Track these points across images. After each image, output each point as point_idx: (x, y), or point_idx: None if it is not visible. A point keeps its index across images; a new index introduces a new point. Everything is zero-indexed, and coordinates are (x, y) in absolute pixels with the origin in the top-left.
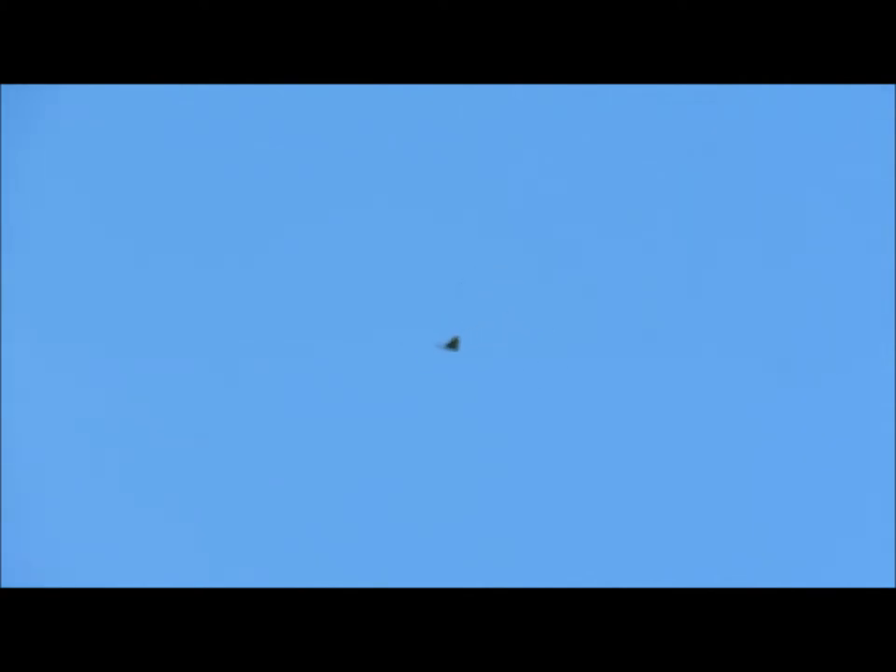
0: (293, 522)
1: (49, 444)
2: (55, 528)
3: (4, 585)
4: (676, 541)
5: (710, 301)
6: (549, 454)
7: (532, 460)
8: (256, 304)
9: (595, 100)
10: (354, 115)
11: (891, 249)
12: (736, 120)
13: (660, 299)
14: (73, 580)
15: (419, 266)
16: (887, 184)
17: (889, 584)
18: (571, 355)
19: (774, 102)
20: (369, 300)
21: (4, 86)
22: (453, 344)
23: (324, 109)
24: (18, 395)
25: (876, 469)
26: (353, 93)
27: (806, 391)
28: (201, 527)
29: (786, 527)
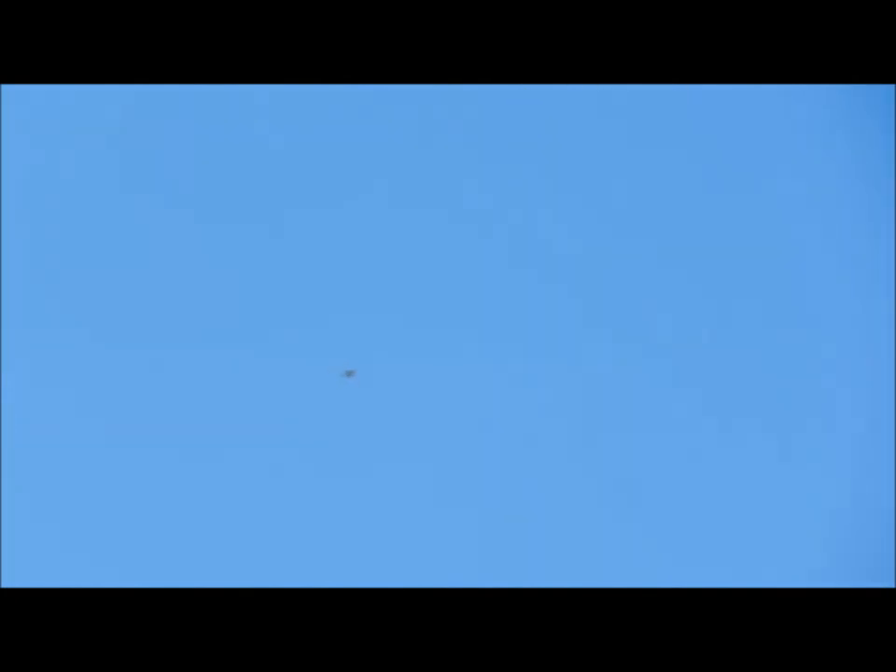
0: (292, 521)
1: (49, 443)
2: (55, 528)
3: (4, 585)
4: (675, 542)
5: (706, 301)
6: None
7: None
8: (250, 302)
9: (593, 100)
10: (345, 115)
11: (892, 249)
12: (736, 120)
13: (655, 300)
14: (73, 580)
15: (411, 265)
16: (887, 184)
17: (889, 584)
18: (564, 351)
19: (774, 102)
20: (362, 298)
21: (4, 86)
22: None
23: (316, 109)
24: (18, 394)
25: (876, 469)
26: (348, 93)
27: (806, 389)
28: (201, 527)
29: (786, 527)
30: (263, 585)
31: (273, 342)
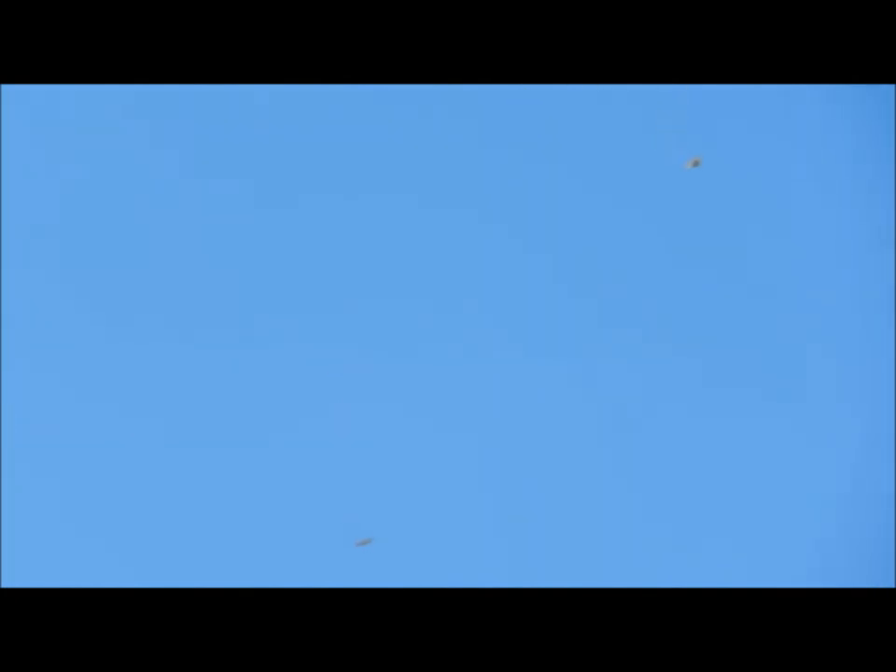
0: (295, 521)
1: (49, 442)
2: (55, 528)
3: (4, 585)
4: (675, 541)
5: (704, 303)
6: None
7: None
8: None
9: (593, 101)
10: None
11: (891, 249)
12: (735, 121)
13: (656, 299)
14: (73, 580)
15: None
16: (887, 184)
17: (889, 584)
18: (562, 350)
19: (773, 102)
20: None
21: (4, 86)
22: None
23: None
24: (18, 394)
25: (876, 468)
26: (347, 94)
27: (802, 381)
28: (202, 527)
29: (785, 527)
30: (263, 585)
31: (276, 342)
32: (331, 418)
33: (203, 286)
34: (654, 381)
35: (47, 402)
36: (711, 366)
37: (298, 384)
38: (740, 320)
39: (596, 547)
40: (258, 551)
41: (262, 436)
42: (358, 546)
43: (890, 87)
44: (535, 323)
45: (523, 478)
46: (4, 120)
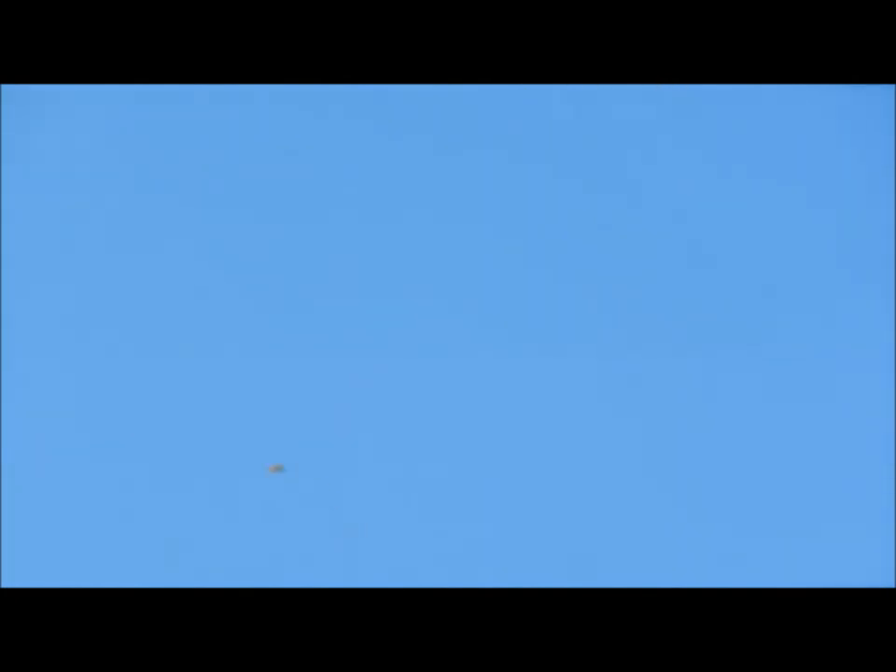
0: (290, 521)
1: (49, 442)
2: (55, 528)
3: (4, 585)
4: (671, 541)
5: (701, 308)
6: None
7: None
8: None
9: (593, 101)
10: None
11: (891, 250)
12: (734, 121)
13: (651, 294)
14: (73, 580)
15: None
16: (887, 184)
17: (889, 584)
18: (577, 351)
19: (774, 102)
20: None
21: (4, 86)
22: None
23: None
24: (18, 392)
25: (877, 467)
26: (348, 94)
27: (802, 381)
28: (201, 526)
29: (784, 526)
30: (263, 585)
31: (277, 344)
32: (328, 419)
33: (206, 290)
34: (652, 382)
35: (45, 407)
36: (710, 367)
37: (306, 390)
38: (738, 321)
39: (593, 547)
40: (257, 551)
41: (260, 435)
42: (271, 472)
43: (890, 87)
44: (536, 322)
45: (524, 477)
46: (4, 120)
